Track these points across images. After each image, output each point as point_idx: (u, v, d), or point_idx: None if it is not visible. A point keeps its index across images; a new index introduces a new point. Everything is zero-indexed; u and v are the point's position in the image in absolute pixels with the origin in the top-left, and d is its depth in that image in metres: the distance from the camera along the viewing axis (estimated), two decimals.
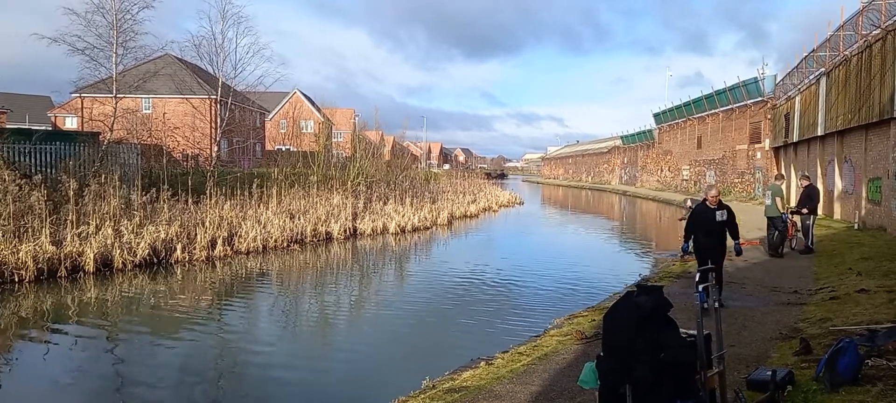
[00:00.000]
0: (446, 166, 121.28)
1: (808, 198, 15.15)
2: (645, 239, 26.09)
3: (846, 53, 21.12)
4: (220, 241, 17.26)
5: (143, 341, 9.84)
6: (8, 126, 25.75)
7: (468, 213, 33.49)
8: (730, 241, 9.17)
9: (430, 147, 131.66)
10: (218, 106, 37.67)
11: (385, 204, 26.97)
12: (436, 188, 37.09)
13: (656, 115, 61.48)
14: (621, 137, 74.22)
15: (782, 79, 34.57)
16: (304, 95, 67.24)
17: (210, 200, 19.78)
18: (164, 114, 39.35)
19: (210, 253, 16.87)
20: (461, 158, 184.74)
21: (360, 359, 8.92)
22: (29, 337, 10.03)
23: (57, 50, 24.23)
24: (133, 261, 14.99)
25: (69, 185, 15.61)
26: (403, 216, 25.62)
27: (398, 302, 12.82)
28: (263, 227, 19.31)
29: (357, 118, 54.29)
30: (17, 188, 15.10)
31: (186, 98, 40.27)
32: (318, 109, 55.36)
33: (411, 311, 11.80)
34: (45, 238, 14.02)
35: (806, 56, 27.66)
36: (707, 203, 8.81)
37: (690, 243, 9.08)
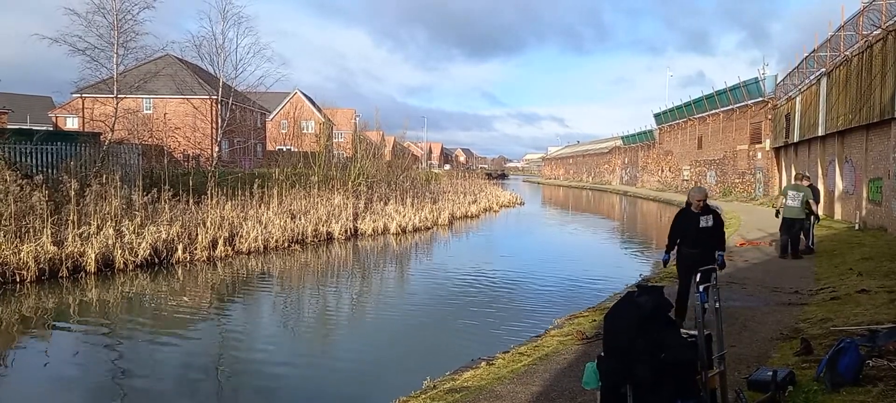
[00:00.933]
0: (447, 166, 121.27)
1: None
2: (645, 239, 26.09)
3: (847, 53, 21.12)
4: (221, 241, 17.27)
5: (145, 341, 9.85)
6: (9, 126, 25.77)
7: (469, 214, 33.50)
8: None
9: (430, 147, 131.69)
10: (219, 106, 37.70)
11: (386, 204, 26.97)
12: (436, 188, 37.10)
13: (657, 116, 61.46)
14: (622, 137, 74.20)
15: (783, 80, 34.56)
16: (305, 95, 67.29)
17: (211, 200, 19.80)
18: (165, 114, 39.38)
19: (211, 253, 16.88)
20: (462, 158, 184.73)
21: (360, 359, 8.93)
22: (30, 337, 10.05)
23: (58, 50, 24.29)
24: (134, 262, 15.00)
25: (70, 186, 15.62)
26: (404, 216, 25.63)
27: (399, 302, 12.83)
28: (264, 227, 19.32)
29: (358, 118, 54.34)
30: (19, 188, 15.12)
31: (187, 98, 40.30)
32: (319, 109, 55.41)
33: (412, 311, 11.81)
34: (47, 238, 14.04)
35: (806, 56, 27.66)
36: (690, 208, 7.67)
37: (672, 254, 7.96)
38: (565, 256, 19.57)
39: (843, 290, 9.88)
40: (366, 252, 20.38)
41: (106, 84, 25.87)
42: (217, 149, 32.55)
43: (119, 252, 14.81)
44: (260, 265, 16.76)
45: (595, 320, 8.94)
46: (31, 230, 14.10)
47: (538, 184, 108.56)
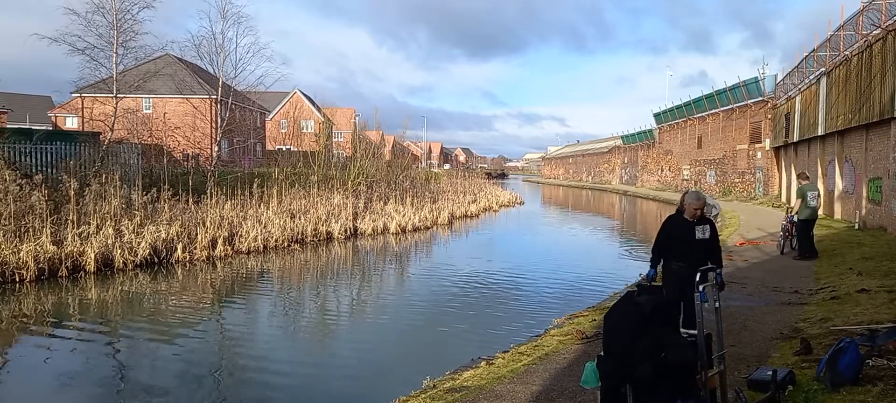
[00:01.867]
0: (447, 166, 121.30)
1: None
2: (645, 238, 26.09)
3: (846, 53, 21.11)
4: (220, 241, 17.26)
5: (144, 341, 9.85)
6: (8, 126, 25.75)
7: (469, 213, 33.50)
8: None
9: (430, 147, 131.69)
10: (218, 106, 37.64)
11: (385, 203, 26.97)
12: (436, 188, 37.10)
13: (657, 115, 61.47)
14: (622, 137, 74.20)
15: (783, 79, 34.56)
16: (305, 95, 67.27)
17: (211, 200, 19.81)
18: (164, 113, 39.36)
19: (211, 252, 16.87)
20: (461, 158, 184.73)
21: (360, 359, 8.93)
22: (30, 337, 10.04)
23: (57, 50, 24.21)
24: (134, 261, 14.99)
25: (70, 185, 15.62)
26: (404, 216, 25.63)
27: (399, 301, 12.83)
28: (264, 227, 19.32)
29: (357, 118, 54.34)
30: (18, 188, 15.12)
31: (187, 98, 40.27)
32: (319, 109, 55.40)
33: (412, 311, 11.81)
34: (46, 238, 14.03)
35: (806, 56, 27.66)
36: (683, 215, 6.40)
37: (658, 268, 6.70)
38: (565, 256, 19.57)
39: (843, 290, 9.88)
40: (365, 251, 20.38)
41: (105, 83, 25.83)
42: (216, 148, 32.51)
43: (118, 251, 14.80)
44: (259, 264, 16.76)
45: (595, 320, 8.94)
46: (30, 229, 14.09)
47: (538, 183, 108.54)
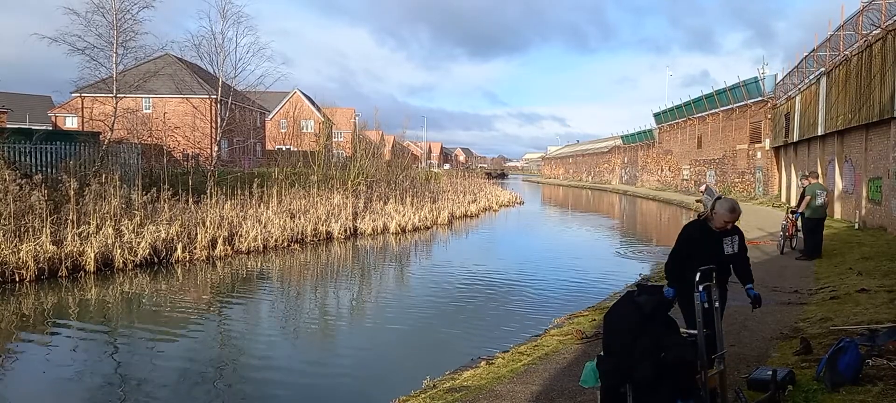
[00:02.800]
0: (446, 166, 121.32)
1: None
2: (645, 238, 26.09)
3: (846, 53, 21.11)
4: (220, 241, 17.26)
5: (144, 341, 9.85)
6: (8, 125, 25.76)
7: (468, 213, 33.50)
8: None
9: (430, 147, 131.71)
10: (218, 105, 37.67)
11: (385, 203, 26.97)
12: (436, 188, 37.11)
13: (656, 115, 61.49)
14: (621, 137, 74.23)
15: (782, 79, 34.57)
16: (305, 95, 67.28)
17: (210, 200, 19.81)
18: (164, 113, 39.36)
19: (211, 252, 16.87)
20: (461, 158, 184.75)
21: (360, 358, 8.93)
22: (30, 337, 10.04)
23: (57, 50, 24.21)
24: (134, 261, 14.99)
25: (70, 185, 15.62)
26: (404, 216, 25.63)
27: (398, 301, 12.83)
28: (264, 227, 19.32)
29: (357, 118, 54.35)
30: (18, 188, 15.11)
31: (187, 98, 40.28)
32: (319, 109, 55.40)
33: (412, 311, 11.80)
34: (46, 237, 14.03)
35: (806, 56, 27.67)
36: (709, 223, 5.20)
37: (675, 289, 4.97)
38: (565, 255, 19.56)
39: (843, 290, 9.88)
40: (365, 251, 20.38)
41: (105, 83, 25.84)
42: (216, 148, 32.53)
43: (118, 251, 14.80)
44: (259, 264, 16.75)
45: (595, 319, 8.94)
46: (30, 229, 14.09)
47: (538, 183, 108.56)
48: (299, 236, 20.37)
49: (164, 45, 36.07)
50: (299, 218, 21.47)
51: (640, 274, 14.93)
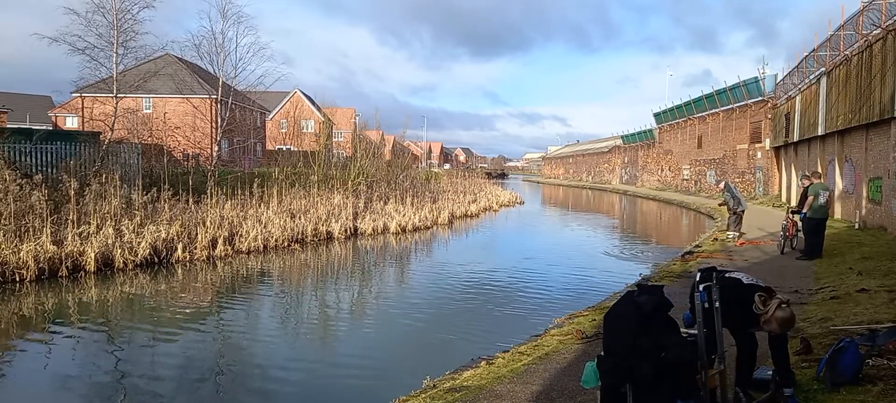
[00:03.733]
0: (447, 166, 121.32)
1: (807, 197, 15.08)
2: (645, 238, 26.09)
3: (847, 53, 21.11)
4: (220, 241, 17.26)
5: (145, 341, 9.85)
6: (8, 125, 25.74)
7: (469, 213, 33.50)
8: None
9: (430, 146, 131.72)
10: (218, 105, 37.68)
11: (386, 203, 26.97)
12: (436, 187, 37.10)
13: (657, 115, 61.48)
14: (622, 137, 74.23)
15: (783, 79, 34.56)
16: (305, 95, 67.27)
17: (211, 200, 19.81)
18: (164, 113, 39.37)
19: (211, 252, 16.88)
20: (461, 158, 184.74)
21: (360, 358, 8.92)
22: (30, 337, 10.04)
23: (57, 50, 24.17)
24: (134, 261, 15.00)
25: (70, 185, 15.62)
26: (404, 215, 25.63)
27: (399, 301, 12.83)
28: (264, 227, 19.32)
29: (358, 118, 54.35)
30: (18, 188, 15.12)
31: (187, 98, 40.28)
32: (319, 109, 55.39)
33: (412, 310, 11.80)
34: (46, 237, 14.03)
35: (806, 55, 27.66)
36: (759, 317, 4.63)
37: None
38: (565, 255, 19.56)
39: (843, 290, 9.88)
40: (365, 251, 20.38)
41: (105, 83, 25.82)
42: (217, 148, 32.53)
43: (119, 251, 14.81)
44: (260, 264, 16.76)
45: (595, 319, 8.94)
46: (30, 229, 14.09)
47: (538, 183, 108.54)
48: (299, 236, 20.37)
49: (165, 44, 36.08)
50: (299, 218, 21.47)
51: (640, 274, 14.93)
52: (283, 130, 51.66)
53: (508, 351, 7.85)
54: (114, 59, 24.23)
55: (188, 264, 15.94)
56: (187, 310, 11.76)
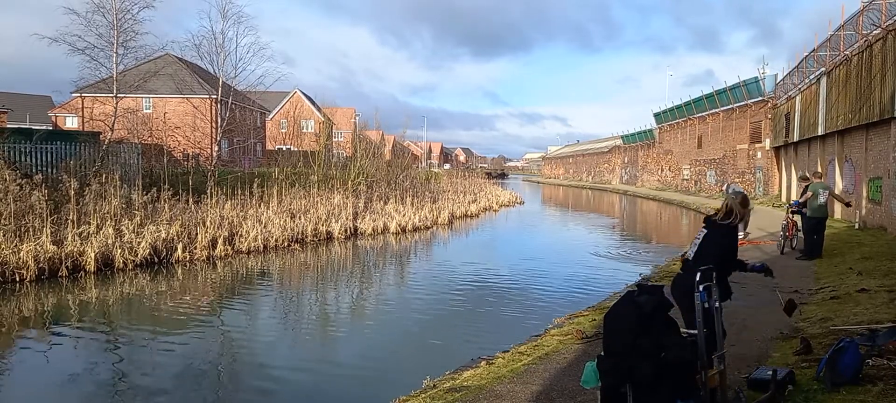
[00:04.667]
0: (447, 166, 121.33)
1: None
2: (645, 238, 26.08)
3: (847, 53, 21.11)
4: (220, 241, 17.26)
5: (145, 341, 9.85)
6: (8, 125, 25.75)
7: (469, 213, 33.50)
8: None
9: (430, 146, 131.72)
10: (218, 105, 37.68)
11: (385, 203, 26.97)
12: (436, 187, 37.11)
13: (657, 115, 61.48)
14: (622, 137, 74.24)
15: (783, 79, 34.57)
16: (305, 95, 67.27)
17: (211, 200, 19.81)
18: (164, 113, 39.38)
19: (211, 252, 16.87)
20: (461, 158, 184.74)
21: (360, 358, 8.92)
22: (30, 337, 10.04)
23: (57, 50, 24.17)
24: (134, 261, 15.00)
25: (70, 185, 15.62)
26: (404, 215, 25.63)
27: (399, 301, 12.83)
28: (264, 227, 19.31)
29: (358, 118, 54.37)
30: (18, 188, 15.12)
31: (187, 98, 40.27)
32: (319, 109, 55.40)
33: (412, 310, 11.80)
34: (46, 237, 14.03)
35: (806, 55, 27.66)
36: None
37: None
38: (565, 255, 19.56)
39: (843, 290, 9.88)
40: (365, 251, 20.38)
41: (105, 83, 25.81)
42: (217, 148, 32.53)
43: (119, 251, 14.81)
44: (260, 264, 16.76)
45: (595, 319, 8.94)
46: (30, 229, 14.09)
47: (538, 183, 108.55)
48: (299, 236, 20.37)
49: (165, 44, 36.05)
50: (299, 218, 21.47)
51: (640, 274, 14.93)
52: (283, 130, 51.67)
53: (508, 351, 7.85)
54: (114, 59, 24.23)
55: (188, 264, 15.94)
56: (187, 311, 11.76)
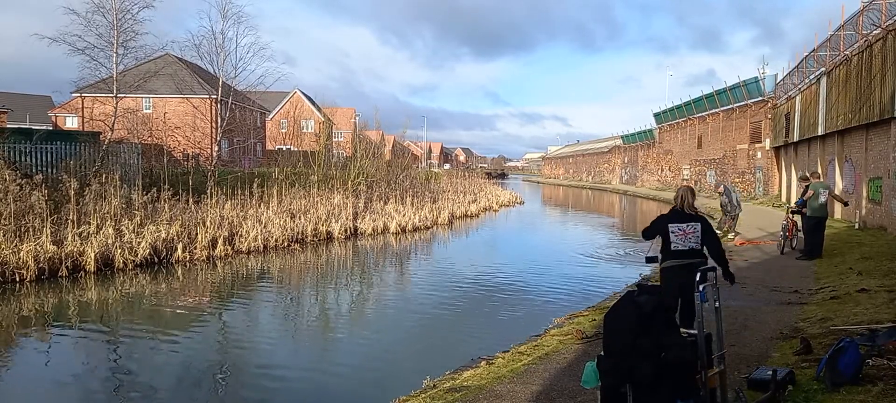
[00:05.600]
0: (446, 166, 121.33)
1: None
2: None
3: (847, 53, 21.10)
4: (220, 241, 17.26)
5: (145, 341, 9.85)
6: (8, 125, 25.75)
7: (469, 213, 33.50)
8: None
9: (430, 146, 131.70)
10: (218, 105, 37.68)
11: (385, 203, 26.97)
12: (436, 187, 37.10)
13: (657, 115, 61.48)
14: (622, 137, 74.23)
15: (783, 79, 34.57)
16: (305, 95, 67.28)
17: (211, 200, 19.81)
18: (164, 113, 39.38)
19: (211, 252, 16.87)
20: (461, 158, 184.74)
21: (360, 358, 8.92)
22: (30, 337, 10.04)
23: (57, 50, 24.19)
24: (134, 261, 14.99)
25: (70, 185, 15.62)
26: (404, 215, 25.63)
27: (398, 301, 12.83)
28: (264, 227, 19.31)
29: (358, 118, 54.37)
30: (18, 188, 15.12)
31: (187, 98, 40.27)
32: (319, 109, 55.38)
33: (412, 310, 11.81)
34: (46, 237, 14.03)
35: (806, 55, 27.65)
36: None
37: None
38: (565, 255, 19.56)
39: (843, 290, 9.88)
40: (365, 251, 20.38)
41: (105, 83, 25.81)
42: (217, 148, 32.52)
43: (119, 251, 14.80)
44: (260, 264, 16.76)
45: (595, 319, 8.94)
46: (30, 229, 14.09)
47: (538, 183, 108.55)
48: (299, 236, 20.37)
49: (165, 44, 36.05)
50: (299, 218, 21.47)
51: (640, 274, 14.93)
52: (283, 130, 51.67)
53: (508, 351, 7.85)
54: (114, 59, 24.23)
55: (188, 264, 15.94)
56: (187, 310, 11.76)
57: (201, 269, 15.65)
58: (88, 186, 16.81)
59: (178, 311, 11.63)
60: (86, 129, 32.47)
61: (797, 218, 15.37)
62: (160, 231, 16.16)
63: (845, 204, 16.57)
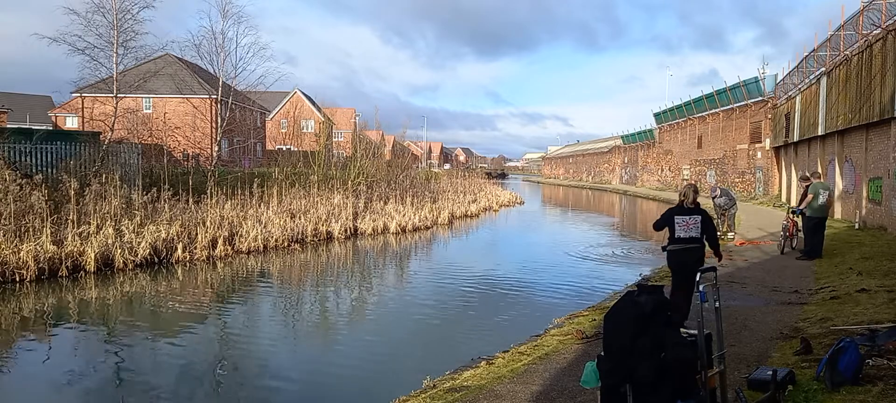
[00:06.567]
0: (447, 166, 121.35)
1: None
2: (645, 238, 26.06)
3: (847, 53, 21.11)
4: (220, 241, 17.26)
5: (144, 341, 9.85)
6: (9, 125, 25.75)
7: (469, 213, 33.50)
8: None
9: (430, 146, 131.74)
10: (218, 105, 37.69)
11: (385, 203, 26.97)
12: (436, 187, 37.11)
13: (657, 115, 61.48)
14: (622, 137, 74.24)
15: (783, 79, 34.57)
16: (305, 95, 67.30)
17: (211, 200, 19.80)
18: (164, 113, 39.40)
19: (211, 252, 16.87)
20: (461, 158, 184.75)
21: (360, 358, 8.92)
22: (30, 337, 10.04)
23: (57, 49, 24.29)
24: (134, 261, 15.00)
25: (70, 185, 15.62)
26: (404, 215, 25.63)
27: (398, 301, 12.83)
28: (264, 227, 19.32)
29: (358, 117, 54.39)
30: (18, 188, 15.12)
31: (187, 98, 40.30)
32: (319, 109, 55.43)
33: (412, 311, 11.81)
34: (46, 237, 14.03)
35: (806, 55, 27.66)
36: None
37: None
38: (565, 255, 19.55)
39: (843, 290, 9.88)
40: (365, 251, 20.38)
41: (105, 83, 25.85)
42: (217, 148, 32.54)
43: (119, 251, 14.81)
44: (260, 264, 16.75)
45: (595, 319, 8.94)
46: (30, 229, 14.09)
47: (538, 183, 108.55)
48: (299, 236, 20.37)
49: (165, 44, 36.15)
50: (299, 218, 21.47)
51: (640, 274, 14.93)
52: (283, 130, 51.68)
53: (508, 351, 7.85)
54: (114, 59, 24.26)
55: (188, 264, 15.94)
56: (187, 310, 11.76)
57: (201, 269, 15.65)
58: (88, 186, 16.82)
59: (179, 311, 11.63)
60: (86, 129, 32.48)
61: (797, 218, 15.37)
62: (160, 231, 16.17)
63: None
